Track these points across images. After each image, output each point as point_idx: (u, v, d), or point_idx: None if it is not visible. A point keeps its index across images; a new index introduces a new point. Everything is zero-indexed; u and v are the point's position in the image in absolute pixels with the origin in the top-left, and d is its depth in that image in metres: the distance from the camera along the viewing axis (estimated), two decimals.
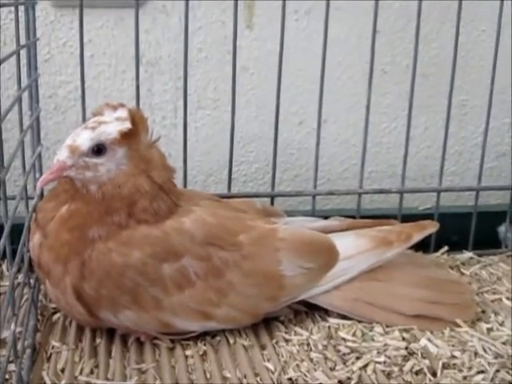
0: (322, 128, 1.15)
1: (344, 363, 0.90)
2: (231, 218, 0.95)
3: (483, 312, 1.04)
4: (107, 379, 0.86)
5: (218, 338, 0.96)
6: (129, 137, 0.86)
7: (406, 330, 0.97)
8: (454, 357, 0.91)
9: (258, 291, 0.93)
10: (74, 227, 0.87)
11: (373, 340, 0.95)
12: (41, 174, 1.06)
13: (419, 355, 0.91)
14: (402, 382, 0.86)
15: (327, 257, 0.97)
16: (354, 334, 0.96)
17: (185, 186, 1.13)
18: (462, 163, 1.41)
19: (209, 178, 1.30)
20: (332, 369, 0.89)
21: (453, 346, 0.94)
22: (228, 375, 0.87)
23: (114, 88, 1.16)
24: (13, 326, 0.75)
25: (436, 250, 1.24)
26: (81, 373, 0.87)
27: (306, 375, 0.87)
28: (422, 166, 1.39)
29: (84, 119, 1.04)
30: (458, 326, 0.98)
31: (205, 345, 0.94)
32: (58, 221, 0.88)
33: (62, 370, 0.87)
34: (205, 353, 0.93)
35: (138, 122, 0.87)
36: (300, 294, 0.96)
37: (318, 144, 1.16)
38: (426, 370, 0.88)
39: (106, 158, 0.86)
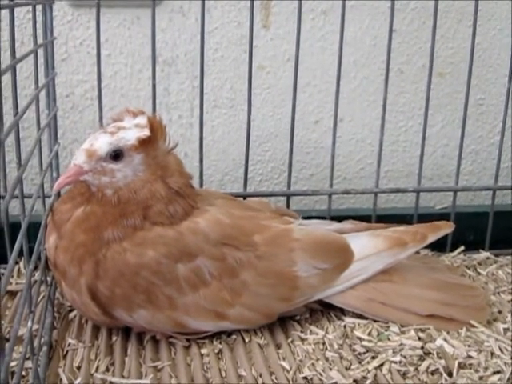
0: (338, 127, 1.15)
1: (359, 362, 0.90)
2: (246, 218, 0.95)
3: (500, 312, 1.03)
4: (123, 377, 0.86)
5: (233, 337, 0.96)
6: (147, 144, 0.87)
7: (421, 330, 0.96)
8: (470, 357, 0.90)
9: (272, 291, 0.93)
10: (89, 229, 0.87)
11: (388, 339, 0.94)
12: (58, 172, 1.07)
13: (435, 355, 0.91)
14: (418, 381, 0.86)
15: (342, 257, 0.97)
16: (369, 334, 0.96)
17: (201, 185, 1.13)
18: (478, 162, 1.40)
19: (225, 176, 1.30)
20: (347, 368, 0.89)
21: (469, 346, 0.93)
22: (243, 373, 0.88)
23: (130, 87, 1.16)
24: (29, 324, 0.76)
25: (452, 249, 1.23)
26: (97, 370, 0.88)
27: (321, 374, 0.87)
28: (438, 165, 1.39)
29: (101, 118, 1.04)
30: (474, 326, 0.97)
31: (220, 343, 0.94)
32: (73, 222, 0.89)
33: (78, 368, 0.88)
34: (220, 351, 0.93)
35: (156, 129, 0.88)
36: (314, 294, 0.96)
37: (334, 143, 1.16)
38: (441, 370, 0.88)
39: (123, 163, 0.86)
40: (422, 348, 0.92)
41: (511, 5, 1.09)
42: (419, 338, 0.94)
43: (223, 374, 0.88)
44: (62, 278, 0.91)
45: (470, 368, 0.88)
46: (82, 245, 0.87)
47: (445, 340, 0.93)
